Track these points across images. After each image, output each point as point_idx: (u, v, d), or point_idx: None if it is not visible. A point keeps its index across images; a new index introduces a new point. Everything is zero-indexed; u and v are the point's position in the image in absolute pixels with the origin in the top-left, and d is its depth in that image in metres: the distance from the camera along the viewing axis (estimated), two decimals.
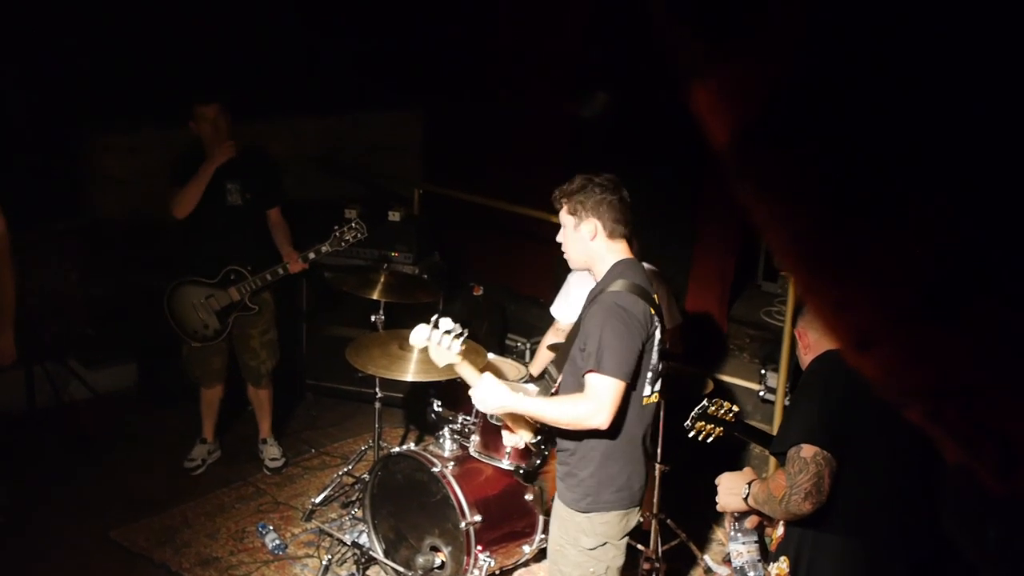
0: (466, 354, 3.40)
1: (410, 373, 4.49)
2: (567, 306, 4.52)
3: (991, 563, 2.58)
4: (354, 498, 5.17)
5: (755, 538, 3.33)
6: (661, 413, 4.21)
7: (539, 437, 3.51)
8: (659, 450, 4.40)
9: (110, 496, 5.25)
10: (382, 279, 5.20)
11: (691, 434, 3.65)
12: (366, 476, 4.84)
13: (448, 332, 3.37)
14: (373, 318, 5.18)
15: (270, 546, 4.81)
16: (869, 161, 0.45)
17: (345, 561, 4.65)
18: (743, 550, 3.32)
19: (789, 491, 2.86)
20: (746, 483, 3.18)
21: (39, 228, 6.10)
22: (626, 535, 3.45)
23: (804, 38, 0.43)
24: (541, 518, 4.35)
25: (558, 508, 3.47)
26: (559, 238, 3.44)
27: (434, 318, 3.44)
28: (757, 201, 0.46)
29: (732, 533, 3.34)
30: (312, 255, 5.20)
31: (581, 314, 3.39)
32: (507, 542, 4.34)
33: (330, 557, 4.57)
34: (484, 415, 4.23)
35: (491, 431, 4.24)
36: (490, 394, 3.32)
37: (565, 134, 6.40)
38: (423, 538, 4.37)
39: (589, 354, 3.19)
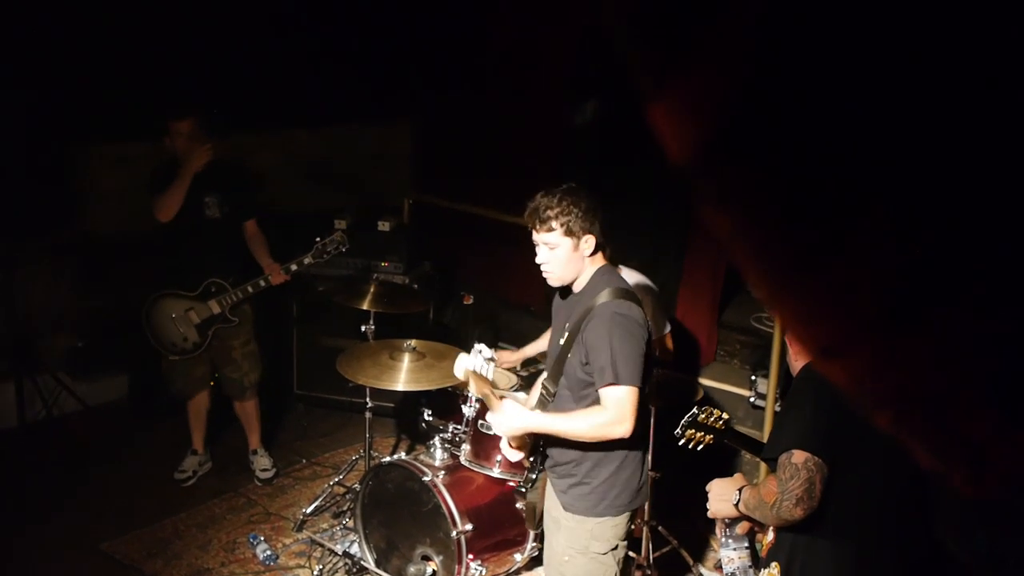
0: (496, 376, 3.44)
1: (401, 383, 4.49)
2: None
3: (981, 566, 2.59)
4: (345, 508, 5.16)
5: (746, 544, 3.32)
6: (652, 420, 4.22)
7: (533, 458, 3.54)
8: (650, 457, 4.40)
9: (101, 508, 5.23)
10: (372, 289, 5.20)
11: (681, 442, 3.65)
12: (357, 486, 4.83)
13: (490, 359, 3.39)
14: (364, 328, 5.18)
15: (261, 557, 4.80)
16: (828, 171, 0.46)
17: (336, 571, 4.63)
18: (734, 556, 3.32)
19: (780, 497, 2.86)
20: (737, 489, 3.18)
21: (29, 241, 6.09)
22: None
23: (755, 50, 0.44)
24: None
25: (561, 520, 3.47)
26: (543, 259, 3.34)
27: (476, 347, 3.43)
28: (718, 215, 0.47)
29: (723, 539, 3.33)
30: (294, 267, 5.20)
31: (568, 327, 3.38)
32: (499, 551, 4.34)
33: (321, 567, 4.56)
34: (475, 424, 4.23)
35: (482, 440, 4.24)
36: (515, 416, 3.33)
37: (556, 143, 6.41)
38: (414, 547, 4.36)
39: (601, 368, 3.18)
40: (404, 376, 4.50)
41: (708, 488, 3.33)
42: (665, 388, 4.48)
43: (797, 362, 3.20)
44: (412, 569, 4.24)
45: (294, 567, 4.80)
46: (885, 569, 2.99)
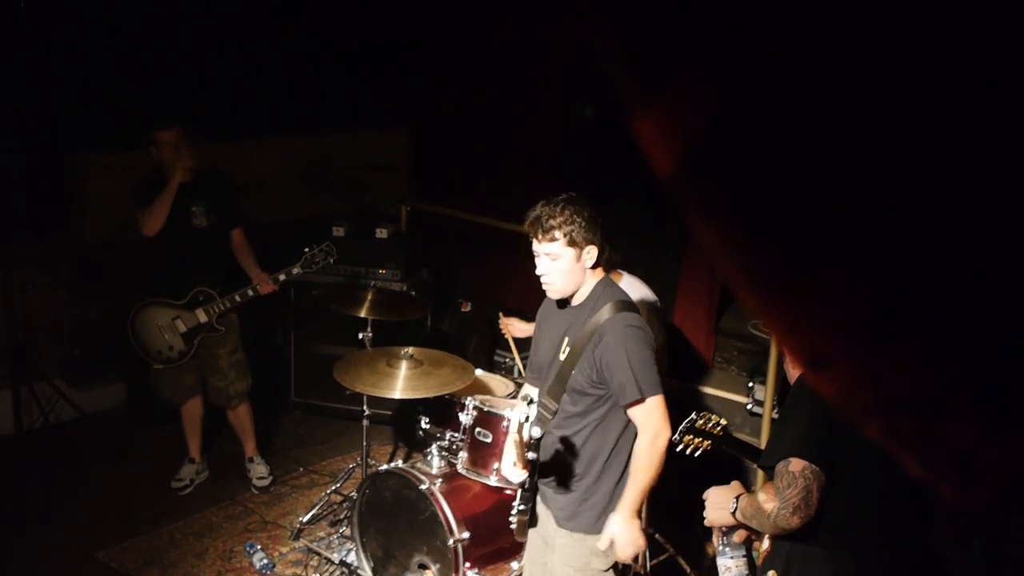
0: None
1: (398, 390, 4.48)
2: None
3: (978, 572, 2.59)
4: (342, 516, 5.15)
5: (743, 552, 3.31)
6: None
7: (529, 480, 3.49)
8: None
9: (97, 516, 5.22)
10: (370, 296, 5.20)
11: (679, 448, 3.64)
12: (354, 494, 4.82)
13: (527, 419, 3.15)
14: (361, 335, 5.17)
15: (258, 566, 4.79)
16: (814, 181, 0.45)
17: None
18: (731, 564, 3.31)
19: (777, 505, 2.85)
20: (734, 497, 3.17)
21: (26, 248, 6.09)
22: None
23: (743, 61, 0.44)
24: None
25: (556, 538, 3.43)
26: (544, 270, 3.24)
27: (529, 406, 3.16)
28: (704, 227, 0.46)
29: (720, 547, 3.32)
30: (283, 277, 5.20)
31: (571, 342, 3.33)
32: (496, 559, 4.32)
33: None
34: (472, 432, 4.22)
35: (479, 448, 4.22)
36: (630, 525, 3.26)
37: (554, 149, 6.41)
38: (411, 556, 4.35)
39: (622, 385, 3.16)
40: (401, 384, 4.49)
41: (705, 496, 3.32)
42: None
43: (795, 370, 3.20)
44: None
45: None
46: None
